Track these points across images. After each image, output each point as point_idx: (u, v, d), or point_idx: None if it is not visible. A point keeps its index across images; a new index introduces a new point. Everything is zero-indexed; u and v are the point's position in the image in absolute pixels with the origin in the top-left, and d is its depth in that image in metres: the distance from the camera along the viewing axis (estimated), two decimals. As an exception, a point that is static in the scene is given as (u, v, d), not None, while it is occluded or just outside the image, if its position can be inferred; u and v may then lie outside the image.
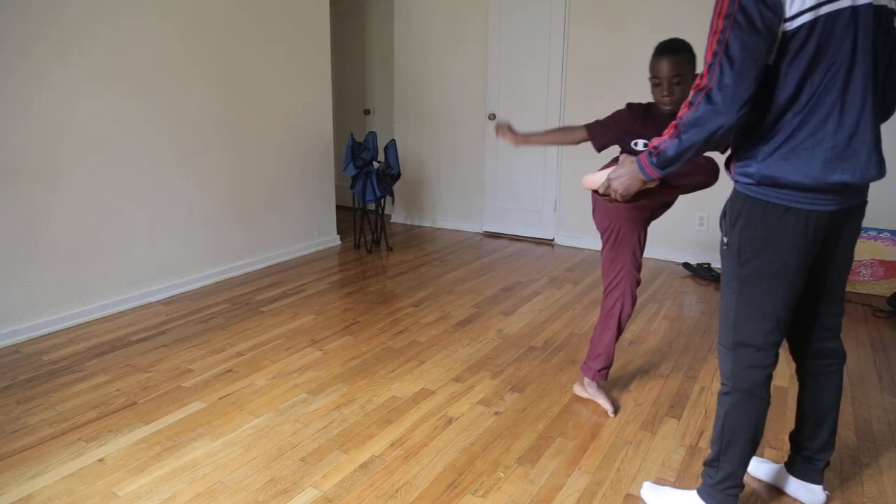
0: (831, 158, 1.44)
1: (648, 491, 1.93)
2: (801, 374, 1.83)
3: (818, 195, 1.48)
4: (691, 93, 1.47)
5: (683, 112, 1.48)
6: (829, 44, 1.40)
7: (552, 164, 5.03)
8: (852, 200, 1.54)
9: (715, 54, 1.41)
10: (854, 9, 1.39)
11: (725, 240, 1.62)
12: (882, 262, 3.87)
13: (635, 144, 2.20)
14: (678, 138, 1.50)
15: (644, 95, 2.20)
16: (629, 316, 2.39)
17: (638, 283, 2.37)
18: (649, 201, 2.19)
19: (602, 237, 2.37)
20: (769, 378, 1.64)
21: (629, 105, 2.24)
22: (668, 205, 2.36)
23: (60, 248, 3.19)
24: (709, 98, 1.42)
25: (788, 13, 1.38)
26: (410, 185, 5.78)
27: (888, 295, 3.77)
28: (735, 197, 1.59)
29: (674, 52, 2.05)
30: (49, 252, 3.15)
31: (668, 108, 2.11)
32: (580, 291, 3.91)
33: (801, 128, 1.45)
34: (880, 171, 1.48)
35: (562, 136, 2.41)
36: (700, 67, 1.51)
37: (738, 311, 1.62)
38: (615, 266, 2.36)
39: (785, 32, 1.40)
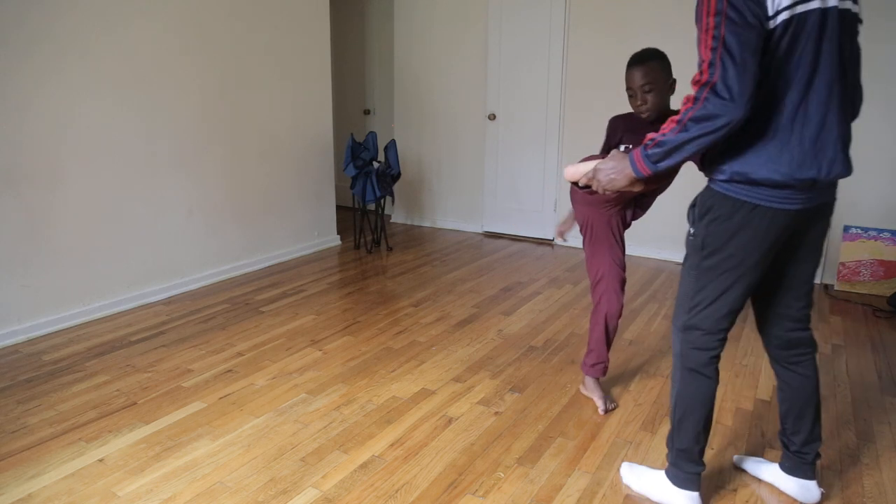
0: (799, 155, 1.49)
1: (626, 470, 2.02)
2: (776, 367, 1.89)
3: (787, 193, 1.53)
4: (693, 88, 1.46)
5: (686, 108, 1.47)
6: (798, 43, 1.45)
7: (552, 164, 5.03)
8: (819, 199, 1.59)
9: (713, 50, 1.41)
10: (823, 11, 1.44)
11: (692, 230, 1.69)
12: (882, 262, 3.87)
13: (619, 150, 2.25)
14: (682, 133, 1.48)
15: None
16: (617, 314, 2.40)
17: (622, 281, 2.38)
18: (617, 197, 2.20)
19: (581, 232, 2.42)
20: (714, 359, 1.73)
21: (610, 120, 2.31)
22: (642, 207, 2.38)
23: (60, 248, 3.19)
24: (715, 92, 1.41)
25: (771, 11, 1.42)
26: (410, 185, 5.78)
27: (888, 295, 3.77)
28: (706, 192, 1.65)
29: (642, 61, 2.09)
30: (49, 252, 3.15)
31: (645, 115, 2.16)
32: (580, 291, 3.91)
33: (771, 125, 1.50)
34: (846, 169, 1.54)
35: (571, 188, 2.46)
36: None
37: (694, 298, 1.70)
38: (595, 262, 2.39)
39: (766, 30, 1.43)
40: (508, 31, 5.01)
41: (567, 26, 4.75)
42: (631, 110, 2.27)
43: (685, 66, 4.18)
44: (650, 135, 1.58)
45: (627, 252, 4.57)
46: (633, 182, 1.70)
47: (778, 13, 1.42)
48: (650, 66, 2.08)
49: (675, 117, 1.50)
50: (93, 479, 2.00)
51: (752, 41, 1.40)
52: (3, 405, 2.46)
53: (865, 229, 3.91)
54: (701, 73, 1.44)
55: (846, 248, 3.96)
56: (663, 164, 1.56)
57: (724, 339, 1.72)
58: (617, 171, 1.70)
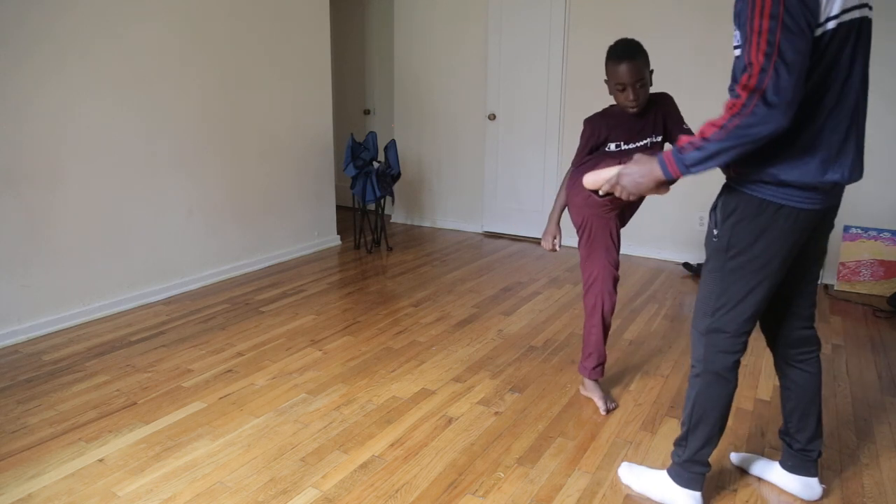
0: (826, 159, 1.50)
1: (625, 470, 2.02)
2: (781, 365, 1.89)
3: (811, 194, 1.54)
4: (741, 93, 1.41)
5: (732, 113, 1.42)
6: (840, 52, 1.46)
7: (552, 164, 5.03)
8: (834, 200, 1.62)
9: (767, 56, 1.38)
10: (860, 20, 1.46)
11: (716, 232, 1.67)
12: (882, 262, 3.87)
13: (608, 148, 2.24)
14: (725, 140, 1.44)
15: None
16: (611, 311, 2.41)
17: (615, 280, 2.39)
18: (613, 201, 2.19)
19: (577, 233, 2.41)
20: (737, 363, 1.73)
21: (587, 121, 2.29)
22: (634, 205, 2.37)
23: (60, 248, 3.19)
24: (765, 101, 1.38)
25: (821, 18, 1.41)
26: (410, 185, 5.78)
27: (888, 295, 3.77)
28: (730, 192, 1.63)
29: (633, 56, 2.08)
30: (49, 252, 3.15)
31: (633, 110, 2.15)
32: (580, 291, 3.91)
33: (805, 129, 1.50)
34: (861, 173, 1.57)
35: (567, 189, 2.43)
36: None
37: (719, 300, 1.68)
38: (591, 263, 2.38)
39: (814, 37, 1.42)
40: (508, 31, 5.01)
41: (567, 26, 4.75)
42: (602, 108, 2.27)
43: (684, 66, 4.21)
44: (684, 137, 1.53)
45: (627, 252, 4.53)
46: (660, 185, 1.65)
47: (827, 20, 1.41)
48: (640, 61, 2.09)
49: (718, 121, 1.45)
50: (93, 479, 2.00)
51: (805, 50, 1.38)
52: (3, 405, 2.46)
53: (865, 229, 3.91)
54: (750, 76, 1.40)
55: (846, 248, 3.96)
56: (697, 169, 1.52)
57: (747, 343, 1.71)
58: (643, 174, 1.64)
